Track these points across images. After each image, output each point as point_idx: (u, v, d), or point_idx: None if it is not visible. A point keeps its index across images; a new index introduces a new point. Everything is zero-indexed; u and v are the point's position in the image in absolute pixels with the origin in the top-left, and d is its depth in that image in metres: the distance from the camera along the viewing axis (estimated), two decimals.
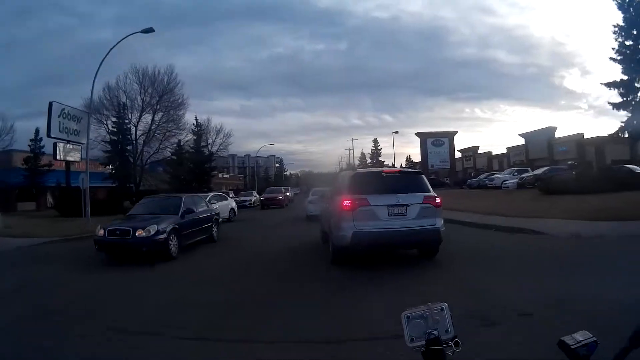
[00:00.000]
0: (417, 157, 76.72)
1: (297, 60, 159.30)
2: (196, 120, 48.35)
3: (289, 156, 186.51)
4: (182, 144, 45.26)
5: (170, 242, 11.30)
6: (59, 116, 28.93)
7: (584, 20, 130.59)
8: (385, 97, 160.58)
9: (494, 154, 69.80)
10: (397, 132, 70.96)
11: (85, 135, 32.60)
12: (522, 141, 59.17)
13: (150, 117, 42.28)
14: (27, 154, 42.41)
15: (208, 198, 19.65)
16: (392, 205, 8.32)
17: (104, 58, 23.39)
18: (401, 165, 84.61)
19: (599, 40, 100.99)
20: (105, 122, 39.80)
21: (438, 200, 8.70)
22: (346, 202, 8.46)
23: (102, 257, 11.33)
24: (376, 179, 9.03)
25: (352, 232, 8.23)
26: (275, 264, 10.15)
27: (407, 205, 8.36)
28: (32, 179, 39.14)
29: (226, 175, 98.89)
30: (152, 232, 10.92)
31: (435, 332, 1.39)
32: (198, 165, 47.07)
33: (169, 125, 43.20)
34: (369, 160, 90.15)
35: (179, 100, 43.95)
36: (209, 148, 51.55)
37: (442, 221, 8.76)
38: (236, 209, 27.29)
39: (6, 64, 79.83)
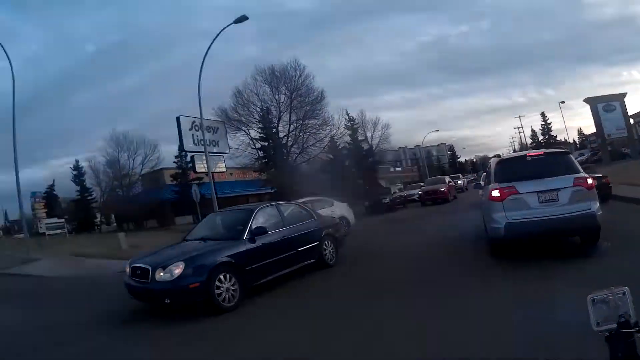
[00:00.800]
0: (588, 129, 67.34)
1: (445, 45, 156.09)
2: (347, 114, 45.16)
3: (460, 142, 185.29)
4: (335, 140, 42.02)
5: (216, 287, 7.09)
6: (190, 129, 28.32)
7: None
8: (541, 70, 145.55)
9: None
10: (563, 102, 60.63)
11: (226, 144, 32.08)
12: None
13: (289, 117, 39.47)
14: (175, 170, 44.09)
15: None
16: (541, 192, 7.73)
17: (205, 56, 21.11)
18: (574, 140, 79.78)
19: None
20: (244, 128, 38.13)
21: (590, 181, 7.90)
22: (495, 192, 8.06)
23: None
24: (521, 164, 8.50)
25: (504, 223, 7.78)
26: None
27: (557, 190, 7.70)
28: (183, 194, 38.52)
29: (399, 169, 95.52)
30: (176, 275, 6.87)
31: (626, 316, 1.39)
32: (359, 160, 43.99)
33: (311, 122, 39.69)
34: (540, 138, 79.22)
35: (315, 94, 40.00)
36: (369, 142, 48.16)
37: (598, 204, 7.78)
38: (351, 218, 18.83)
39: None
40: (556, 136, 76.87)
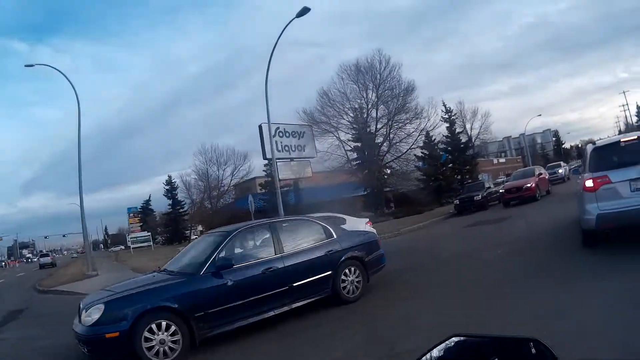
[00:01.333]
0: None
1: (548, 24, 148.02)
2: (444, 105, 41.66)
3: (565, 127, 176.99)
4: (430, 134, 38.65)
5: (145, 338, 5.46)
6: (274, 136, 26.51)
7: None
8: None
9: None
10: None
11: (313, 149, 30.29)
12: None
13: (375, 113, 37.08)
14: (265, 179, 42.27)
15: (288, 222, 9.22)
16: (634, 179, 7.26)
17: (273, 50, 19.34)
18: None
19: None
20: (332, 130, 36.41)
21: None
22: (587, 182, 7.74)
23: None
24: (615, 150, 8.11)
25: (596, 214, 7.46)
26: None
27: None
28: (270, 202, 36.96)
29: (502, 160, 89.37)
30: (94, 319, 5.50)
31: None
32: (458, 154, 40.61)
33: (401, 116, 37.08)
34: None
35: (403, 85, 37.01)
36: (468, 133, 44.88)
37: None
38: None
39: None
40: None
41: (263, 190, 40.95)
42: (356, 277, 7.65)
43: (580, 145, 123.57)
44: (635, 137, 8.43)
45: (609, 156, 8.08)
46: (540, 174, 26.35)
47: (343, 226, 10.79)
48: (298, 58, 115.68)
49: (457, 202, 27.01)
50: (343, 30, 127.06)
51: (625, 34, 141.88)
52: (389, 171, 37.54)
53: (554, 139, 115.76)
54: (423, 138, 38.39)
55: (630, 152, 7.81)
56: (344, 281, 7.49)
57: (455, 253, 11.25)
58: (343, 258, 7.59)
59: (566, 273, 6.78)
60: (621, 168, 7.55)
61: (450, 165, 40.65)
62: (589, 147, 8.87)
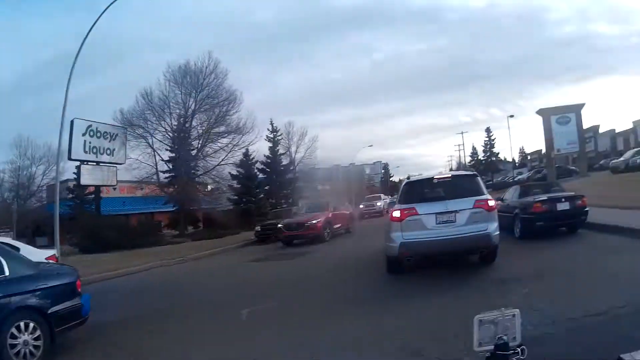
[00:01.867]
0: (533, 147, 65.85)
1: (399, 63, 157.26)
2: (271, 124, 41.88)
3: (398, 161, 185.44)
4: (249, 152, 37.56)
5: None
6: (83, 134, 24.80)
7: None
8: (490, 90, 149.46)
9: (617, 131, 59.82)
10: (512, 116, 59.53)
11: (124, 154, 28.67)
12: None
13: (190, 122, 33.93)
14: (73, 183, 35.17)
15: None
16: (440, 213, 8.15)
17: (83, 42, 17.16)
18: (513, 159, 78.68)
19: None
20: (148, 137, 32.74)
21: (491, 203, 8.41)
22: (395, 213, 8.46)
23: None
24: (427, 186, 9.14)
25: (399, 242, 8.18)
26: None
27: (455, 211, 8.12)
28: (80, 209, 32.51)
29: (328, 187, 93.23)
30: None
31: (504, 338, 1.49)
32: (276, 176, 41.30)
33: (221, 128, 34.61)
34: (482, 155, 78.41)
35: (224, 95, 34.10)
36: (292, 156, 45.22)
37: (496, 225, 8.28)
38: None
39: None
40: (498, 153, 76.43)
41: (70, 195, 34.73)
42: (33, 337, 5.51)
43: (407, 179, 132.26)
44: (449, 175, 9.66)
45: (421, 190, 9.00)
46: (334, 208, 22.09)
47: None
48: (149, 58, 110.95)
49: (258, 228, 23.99)
50: (198, 36, 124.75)
51: (468, 83, 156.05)
52: (200, 187, 35.49)
53: (383, 171, 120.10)
54: (241, 156, 36.70)
55: (441, 188, 8.71)
56: (13, 345, 5.30)
57: (209, 300, 9.34)
58: (13, 308, 5.46)
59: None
60: (430, 202, 8.40)
61: (267, 187, 40.95)
62: (403, 181, 10.01)
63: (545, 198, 11.65)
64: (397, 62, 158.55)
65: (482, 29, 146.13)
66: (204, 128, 33.83)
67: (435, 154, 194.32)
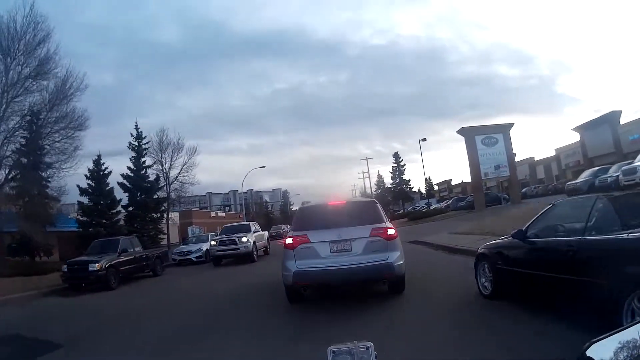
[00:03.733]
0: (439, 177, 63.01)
1: (300, 93, 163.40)
2: (136, 128, 32.25)
3: (301, 191, 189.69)
4: (101, 161, 28.59)
5: None
6: None
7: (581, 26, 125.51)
8: (392, 124, 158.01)
9: (536, 159, 60.87)
10: (424, 140, 51.97)
11: None
12: (576, 137, 47.98)
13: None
14: None
15: None
16: (333, 242, 7.79)
17: None
18: (419, 190, 78.23)
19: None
20: None
21: (391, 232, 7.95)
22: (288, 240, 8.27)
23: None
24: (321, 212, 8.76)
25: (293, 271, 7.84)
26: None
27: (350, 240, 7.76)
28: None
29: (222, 214, 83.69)
30: None
31: None
32: (141, 194, 31.42)
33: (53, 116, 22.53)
34: (390, 183, 71.30)
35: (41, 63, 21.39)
36: (164, 170, 34.16)
37: (399, 254, 7.85)
38: None
39: None
40: (409, 180, 68.92)
41: None
42: None
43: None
44: (344, 201, 9.14)
45: (314, 217, 8.55)
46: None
47: None
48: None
49: (65, 269, 15.93)
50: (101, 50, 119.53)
51: (368, 117, 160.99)
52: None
53: (282, 199, 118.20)
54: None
55: (336, 214, 8.25)
56: None
57: None
58: None
59: None
60: (323, 229, 7.88)
61: (132, 208, 31.41)
62: (299, 207, 10.06)
63: None
64: (297, 92, 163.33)
65: (382, 65, 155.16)
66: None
67: (337, 185, 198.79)
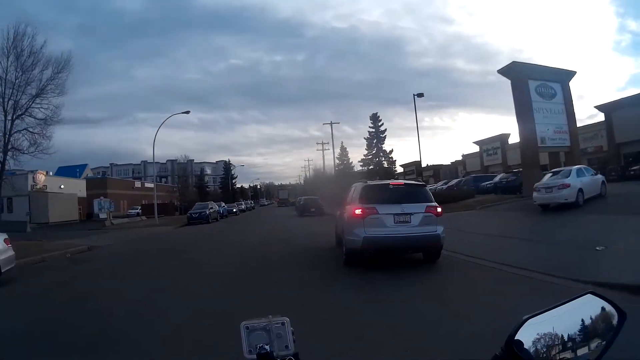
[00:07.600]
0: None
1: (256, 71, 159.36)
2: None
3: (251, 169, 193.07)
4: None
5: None
6: None
7: (542, 25, 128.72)
8: (345, 108, 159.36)
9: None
10: (421, 95, 36.06)
11: None
12: (599, 117, 45.16)
13: None
14: None
15: None
16: (397, 214, 9.29)
17: None
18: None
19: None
20: None
21: (439, 209, 9.66)
22: (358, 211, 9.53)
23: None
24: (384, 190, 10.21)
25: (363, 237, 9.20)
26: None
27: (410, 214, 9.31)
28: None
29: (150, 185, 65.96)
30: None
31: (266, 347, 1.32)
32: None
33: None
34: (365, 152, 59.08)
35: None
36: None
37: (443, 228, 9.54)
38: None
39: None
40: (391, 151, 57.86)
41: None
42: None
43: (259, 187, 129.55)
44: (402, 183, 11.26)
45: (378, 194, 10.01)
46: None
47: None
48: None
49: None
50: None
51: (322, 99, 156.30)
52: None
53: (223, 172, 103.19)
54: None
55: (396, 193, 9.94)
56: None
57: None
58: None
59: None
60: (387, 204, 9.47)
61: None
62: (360, 185, 10.81)
63: None
64: (253, 70, 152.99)
65: (340, 49, 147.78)
66: None
67: (287, 164, 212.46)
